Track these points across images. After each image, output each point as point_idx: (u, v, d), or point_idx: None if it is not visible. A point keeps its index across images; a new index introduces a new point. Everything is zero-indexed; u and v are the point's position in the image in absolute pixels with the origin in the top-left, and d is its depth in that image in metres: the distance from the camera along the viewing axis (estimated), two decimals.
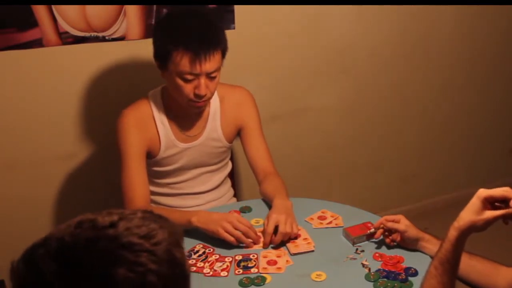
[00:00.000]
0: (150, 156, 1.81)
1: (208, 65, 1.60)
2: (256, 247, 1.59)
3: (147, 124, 1.77)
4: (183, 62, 1.60)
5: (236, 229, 1.58)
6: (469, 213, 1.13)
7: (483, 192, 1.13)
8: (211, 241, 1.60)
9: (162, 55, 1.64)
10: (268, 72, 2.42)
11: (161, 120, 1.79)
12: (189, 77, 1.62)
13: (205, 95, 1.65)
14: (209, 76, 1.64)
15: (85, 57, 2.05)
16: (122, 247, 0.73)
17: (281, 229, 1.57)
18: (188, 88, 1.64)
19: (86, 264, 0.72)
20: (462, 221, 1.14)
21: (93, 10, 1.98)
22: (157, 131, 1.78)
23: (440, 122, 2.97)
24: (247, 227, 1.59)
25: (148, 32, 2.07)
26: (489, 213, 1.12)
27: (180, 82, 1.64)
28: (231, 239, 1.57)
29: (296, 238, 1.60)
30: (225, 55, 1.67)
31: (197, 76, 1.62)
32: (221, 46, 1.64)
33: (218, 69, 1.65)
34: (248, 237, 1.58)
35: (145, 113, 1.78)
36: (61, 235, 0.74)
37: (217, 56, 1.62)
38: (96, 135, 2.19)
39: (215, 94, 1.81)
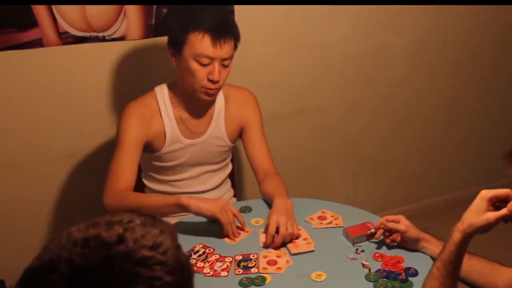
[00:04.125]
0: (153, 150, 1.82)
1: (224, 50, 1.65)
2: (256, 246, 1.58)
3: (152, 118, 1.78)
4: (202, 44, 1.63)
5: None
6: (473, 215, 1.12)
7: (487, 193, 1.12)
8: (211, 241, 1.60)
9: (178, 39, 1.67)
10: (268, 72, 2.42)
11: (167, 115, 1.80)
12: (204, 60, 1.65)
13: (218, 81, 1.68)
14: (223, 64, 1.68)
15: (85, 57, 2.05)
16: (137, 264, 0.72)
17: (282, 231, 1.57)
18: (202, 73, 1.67)
19: (104, 286, 0.70)
20: (466, 223, 1.12)
21: (93, 10, 1.98)
22: (163, 125, 1.79)
23: (441, 122, 2.97)
24: (235, 215, 1.62)
25: (148, 32, 2.07)
26: (492, 214, 1.10)
27: (195, 66, 1.66)
28: (226, 221, 1.59)
29: (296, 238, 1.60)
30: (236, 47, 1.72)
31: (212, 60, 1.65)
32: (235, 34, 1.70)
33: (231, 57, 1.70)
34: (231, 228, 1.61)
35: (151, 107, 1.79)
36: (69, 257, 0.71)
37: (231, 43, 1.68)
38: (96, 135, 2.19)
39: (220, 93, 1.85)
